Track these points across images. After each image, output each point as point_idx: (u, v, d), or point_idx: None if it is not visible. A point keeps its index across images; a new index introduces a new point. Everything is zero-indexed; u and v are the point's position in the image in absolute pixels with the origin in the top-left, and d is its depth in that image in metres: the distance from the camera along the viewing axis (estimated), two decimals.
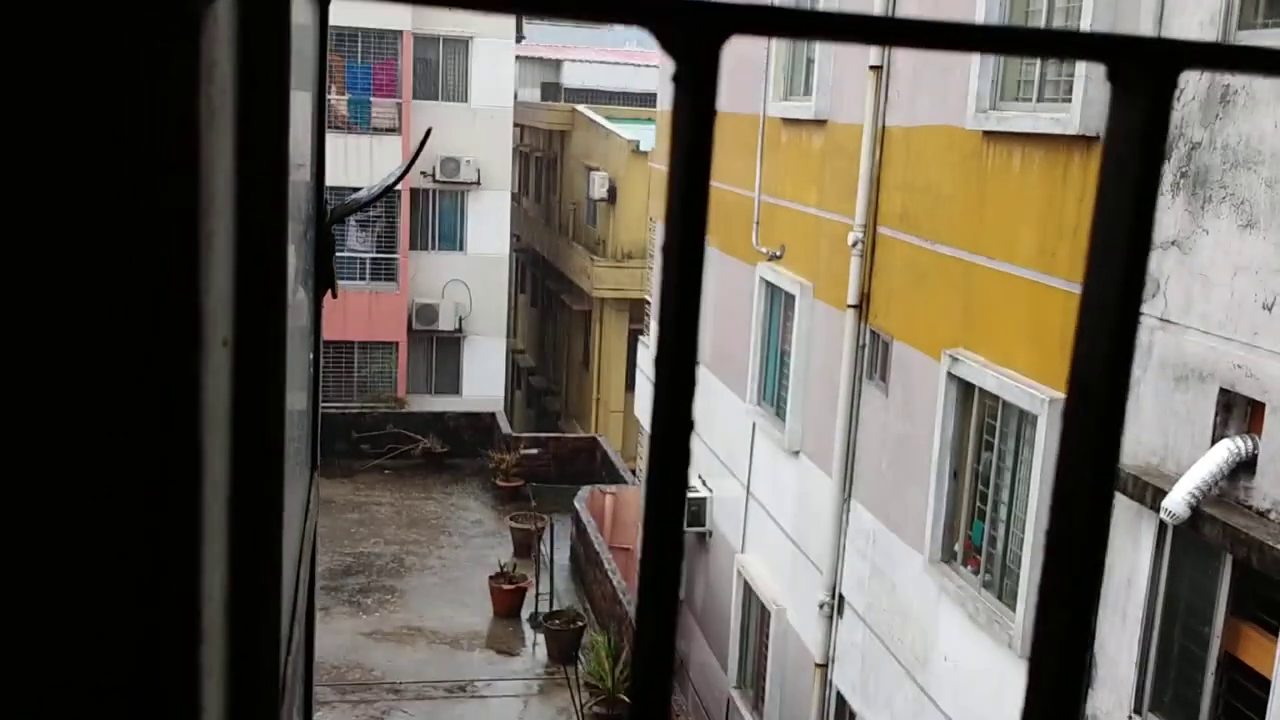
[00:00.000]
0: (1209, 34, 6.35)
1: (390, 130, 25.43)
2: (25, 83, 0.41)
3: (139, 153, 0.42)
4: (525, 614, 17.72)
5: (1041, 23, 8.11)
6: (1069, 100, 7.63)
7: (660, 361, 0.46)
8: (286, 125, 0.69)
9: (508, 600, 17.69)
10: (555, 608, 17.32)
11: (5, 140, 0.42)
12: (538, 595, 17.59)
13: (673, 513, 0.50)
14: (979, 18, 8.53)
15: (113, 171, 0.42)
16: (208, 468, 0.50)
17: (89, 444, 0.45)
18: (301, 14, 1.17)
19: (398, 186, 25.27)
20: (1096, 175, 0.51)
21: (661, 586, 0.47)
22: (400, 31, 25.32)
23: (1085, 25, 7.32)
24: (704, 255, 0.49)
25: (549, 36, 44.49)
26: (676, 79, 0.47)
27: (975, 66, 8.59)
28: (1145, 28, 6.78)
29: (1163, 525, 6.40)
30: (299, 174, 1.28)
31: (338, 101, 25.37)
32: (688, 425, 0.48)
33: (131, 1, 0.40)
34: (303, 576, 1.23)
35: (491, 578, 17.93)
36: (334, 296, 1.67)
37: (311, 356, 1.56)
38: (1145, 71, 0.49)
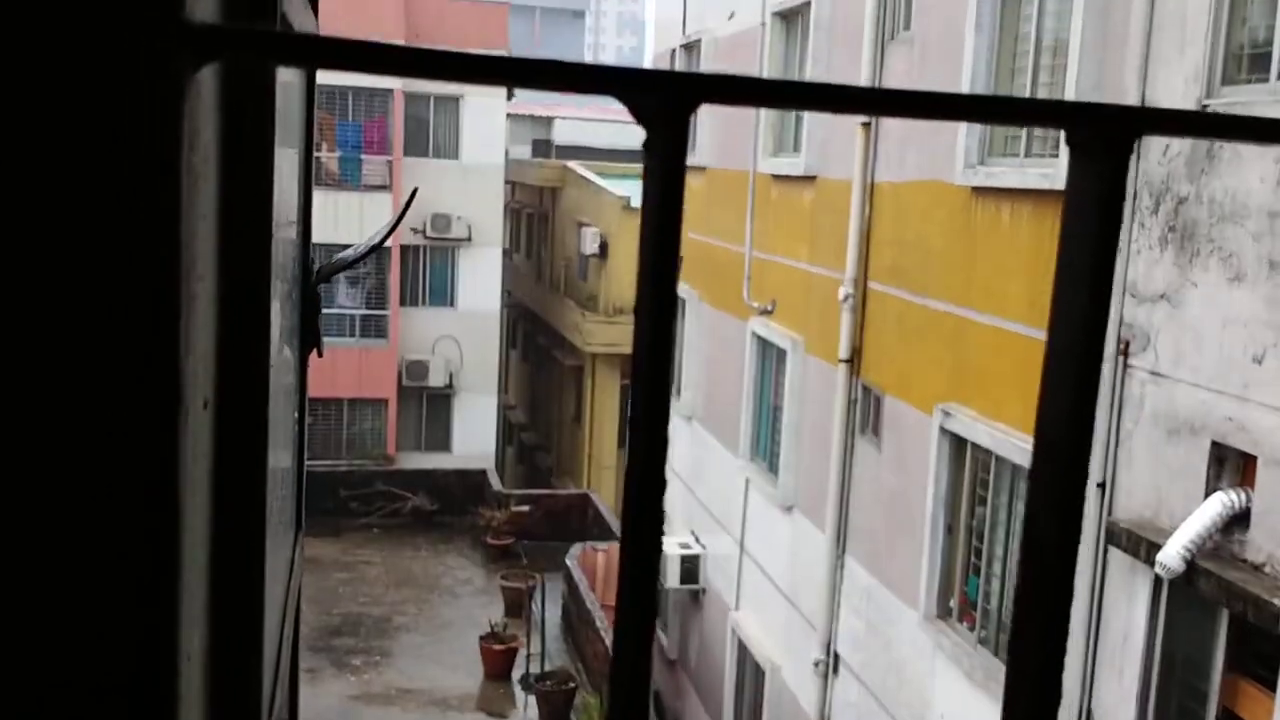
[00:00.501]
0: (1193, 90, 6.44)
1: (381, 187, 25.58)
2: (10, 146, 0.42)
3: (121, 218, 0.43)
4: (516, 675, 17.51)
5: (1028, 78, 8.23)
6: (1056, 155, 7.73)
7: (634, 424, 0.47)
8: (270, 191, 0.70)
9: (498, 661, 17.49)
10: (547, 668, 17.13)
11: None
12: (529, 655, 17.40)
13: (649, 569, 0.50)
14: (965, 73, 8.66)
15: (94, 236, 0.43)
16: (187, 528, 0.50)
17: (67, 503, 0.45)
18: (287, 72, 1.19)
19: (387, 243, 25.39)
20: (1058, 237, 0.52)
21: (638, 639, 0.48)
22: (391, 90, 25.58)
23: (1071, 80, 7.43)
24: (675, 314, 0.50)
25: (540, 94, 44.97)
26: (646, 146, 0.48)
27: (963, 123, 8.70)
28: (1130, 83, 6.88)
29: (1158, 580, 6.38)
30: (285, 232, 1.29)
31: (329, 159, 25.55)
32: (660, 486, 0.48)
33: (115, 70, 0.42)
34: (286, 635, 1.22)
35: (482, 638, 17.74)
36: (319, 355, 1.68)
37: (297, 415, 1.57)
38: (1103, 137, 0.50)
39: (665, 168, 0.47)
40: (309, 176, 1.68)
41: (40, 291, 0.44)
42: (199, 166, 0.49)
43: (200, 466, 0.55)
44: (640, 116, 0.47)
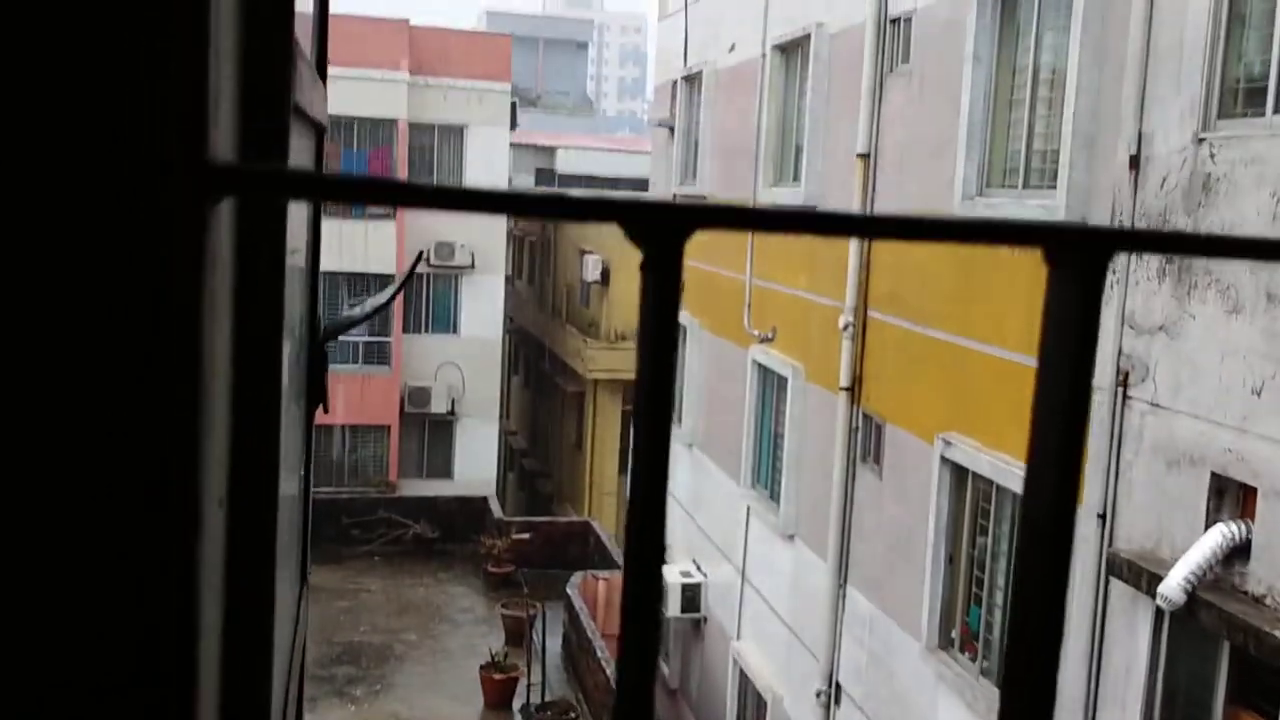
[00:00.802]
0: (1190, 123, 6.49)
1: (385, 216, 25.67)
2: (50, 276, 0.45)
3: (147, 342, 0.45)
4: (517, 705, 17.43)
5: (1025, 110, 8.29)
6: (1054, 187, 7.77)
7: (628, 557, 0.49)
8: (281, 299, 0.73)
9: (499, 690, 17.42)
10: (548, 698, 17.05)
11: (16, 318, 0.46)
12: (529, 685, 17.32)
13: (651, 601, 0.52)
14: (964, 105, 8.71)
15: (123, 362, 0.45)
16: (203, 631, 0.52)
17: (90, 610, 0.47)
18: (296, 143, 1.22)
19: (391, 269, 25.45)
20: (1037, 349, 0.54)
21: (642, 663, 0.50)
22: (396, 120, 25.72)
23: (1068, 113, 7.48)
24: (670, 426, 0.53)
25: (543, 124, 45.22)
26: (643, 267, 0.50)
27: (961, 153, 8.75)
28: (1126, 116, 6.93)
29: (1159, 611, 6.37)
30: (295, 299, 1.31)
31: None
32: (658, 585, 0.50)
33: (142, 208, 0.44)
34: (291, 694, 1.24)
35: (482, 667, 17.68)
36: (325, 412, 1.70)
37: (303, 472, 1.59)
38: (1078, 256, 0.53)
39: (661, 290, 0.50)
40: (318, 231, 1.71)
41: (70, 406, 0.46)
42: (218, 287, 0.52)
43: (213, 568, 0.58)
44: (638, 241, 0.50)
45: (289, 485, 1.36)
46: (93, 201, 0.43)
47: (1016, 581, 0.57)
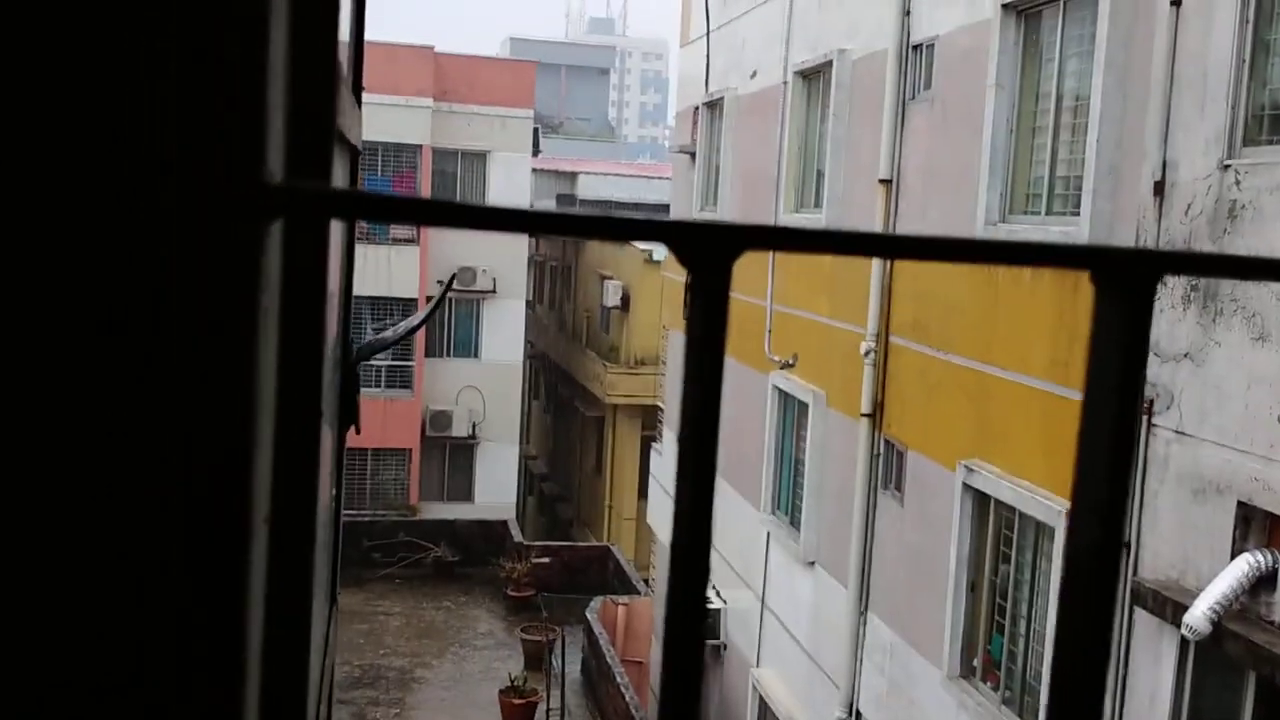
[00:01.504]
0: (1215, 150, 6.46)
1: (409, 241, 25.84)
2: (113, 299, 0.45)
3: (200, 360, 0.46)
4: None
5: (1048, 137, 8.28)
6: (1077, 214, 7.75)
7: (672, 589, 0.49)
8: (324, 315, 0.74)
9: (518, 715, 17.36)
10: None
11: (81, 337, 0.46)
12: (549, 710, 17.26)
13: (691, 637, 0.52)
14: (986, 132, 8.71)
15: (175, 379, 0.46)
16: (249, 647, 0.52)
17: (145, 621, 0.47)
18: (337, 173, 1.23)
19: (414, 294, 25.57)
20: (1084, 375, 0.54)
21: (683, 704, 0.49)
22: (420, 146, 25.91)
23: (1092, 140, 7.46)
24: (717, 443, 0.53)
25: (565, 150, 45.46)
26: (691, 287, 0.51)
27: (984, 179, 8.74)
28: (1151, 144, 6.91)
29: (1184, 641, 6.30)
30: (330, 323, 1.32)
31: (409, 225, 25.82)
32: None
33: (202, 228, 0.45)
34: (322, 712, 1.24)
35: (501, 691, 17.62)
36: (358, 433, 1.71)
37: (335, 492, 1.60)
38: (1125, 279, 0.53)
39: (709, 310, 0.50)
40: (351, 254, 1.72)
41: (129, 424, 0.47)
42: (268, 304, 0.53)
43: (257, 580, 0.58)
44: (686, 262, 0.50)
45: (323, 508, 1.36)
46: (155, 221, 0.44)
47: (1060, 621, 0.57)
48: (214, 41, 0.44)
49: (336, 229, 1.29)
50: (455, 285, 26.43)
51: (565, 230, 0.49)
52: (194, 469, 0.45)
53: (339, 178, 1.19)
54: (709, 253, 0.48)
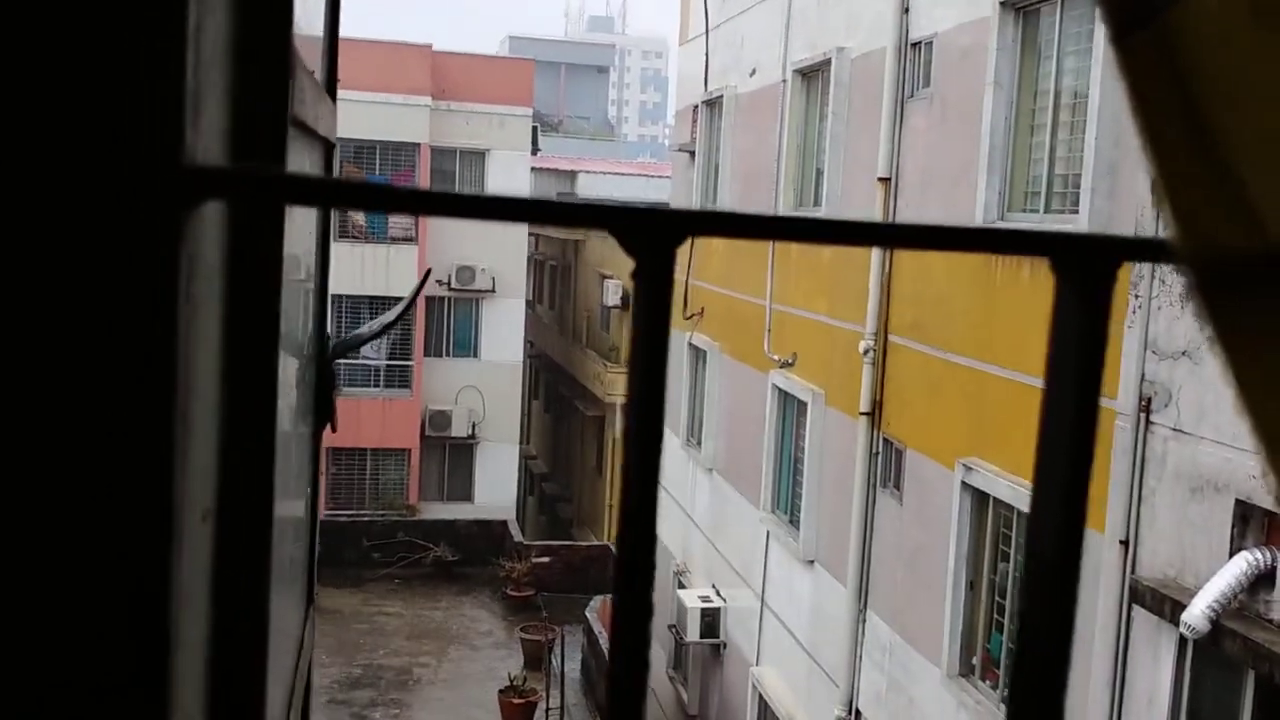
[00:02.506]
0: None
1: (407, 240, 25.82)
2: (11, 283, 0.44)
3: (118, 350, 0.44)
4: None
5: (1046, 135, 8.26)
6: (1076, 211, 7.73)
7: (619, 566, 0.48)
8: (278, 304, 0.72)
9: (518, 715, 17.35)
10: None
11: None
12: (548, 709, 17.25)
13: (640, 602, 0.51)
14: (984, 128, 8.69)
15: (87, 366, 0.44)
16: (182, 644, 0.51)
17: (54, 615, 0.46)
18: (304, 158, 1.22)
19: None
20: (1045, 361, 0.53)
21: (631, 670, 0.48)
22: (418, 144, 25.89)
23: (1090, 136, 7.44)
24: (662, 435, 0.51)
25: (564, 148, 45.44)
26: (635, 275, 0.49)
27: (982, 176, 8.73)
28: None
29: (1183, 640, 6.28)
30: (303, 316, 1.31)
31: (355, 212, 25.81)
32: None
33: (114, 213, 0.43)
34: (294, 717, 1.23)
35: (501, 691, 17.62)
36: (333, 431, 1.70)
37: (310, 490, 1.58)
38: (1085, 265, 0.51)
39: (652, 296, 0.48)
40: (327, 248, 1.71)
41: (39, 417, 0.45)
42: (201, 293, 0.51)
43: (197, 578, 0.56)
44: (630, 249, 0.49)
45: (294, 505, 1.35)
46: (60, 202, 0.43)
47: (1021, 614, 0.55)
48: (125, 18, 0.42)
49: (305, 219, 1.28)
50: (454, 284, 26.42)
51: (499, 215, 0.47)
52: (107, 463, 0.44)
53: (305, 169, 1.17)
54: (651, 239, 0.47)
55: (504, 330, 27.30)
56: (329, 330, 1.69)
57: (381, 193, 0.45)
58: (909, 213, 10.11)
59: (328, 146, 1.51)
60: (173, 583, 0.46)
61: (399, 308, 2.56)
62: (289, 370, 1.14)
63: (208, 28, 0.49)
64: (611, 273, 26.99)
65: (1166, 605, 6.30)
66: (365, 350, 26.18)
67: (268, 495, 0.70)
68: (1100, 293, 0.51)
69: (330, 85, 1.61)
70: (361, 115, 24.43)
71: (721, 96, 14.98)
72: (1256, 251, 0.50)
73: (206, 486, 0.57)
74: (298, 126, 0.91)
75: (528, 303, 29.62)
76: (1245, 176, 0.49)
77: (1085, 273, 0.51)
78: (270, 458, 0.71)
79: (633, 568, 0.49)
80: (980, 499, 8.79)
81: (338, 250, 24.59)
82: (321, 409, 1.53)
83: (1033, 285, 8.20)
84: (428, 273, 3.15)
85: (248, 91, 0.64)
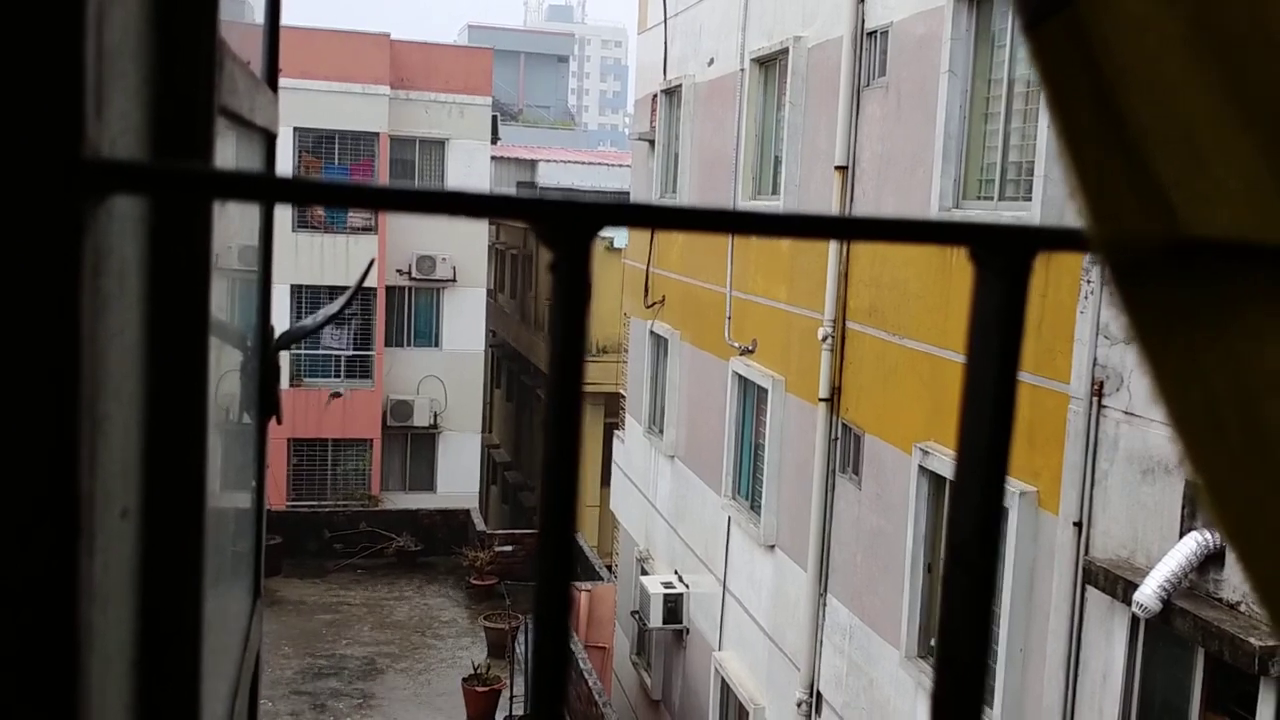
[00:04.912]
0: None
1: (366, 229, 25.63)
2: None
3: (12, 342, 0.44)
4: (500, 716, 17.36)
5: (1000, 123, 8.32)
6: (1029, 199, 7.80)
7: (540, 553, 0.48)
8: (206, 300, 0.71)
9: (482, 703, 17.34)
10: (530, 710, 16.97)
11: None
12: (512, 697, 17.26)
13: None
14: (939, 117, 8.75)
15: None
16: (96, 643, 0.50)
17: None
18: (243, 150, 1.20)
19: (373, 285, 25.38)
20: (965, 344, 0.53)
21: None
22: (377, 133, 25.69)
23: (1043, 124, 7.52)
24: (581, 425, 0.51)
25: (524, 138, 45.25)
26: (552, 267, 0.49)
27: (938, 165, 8.79)
28: None
29: (1135, 619, 6.38)
30: (246, 306, 1.30)
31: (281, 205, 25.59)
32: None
33: (4, 201, 0.42)
34: (240, 709, 1.22)
35: (465, 680, 17.60)
36: (279, 423, 1.68)
37: (255, 484, 1.57)
38: (1003, 254, 0.52)
39: (569, 286, 0.48)
40: (270, 239, 1.69)
41: None
42: (109, 288, 0.50)
43: (117, 575, 0.56)
44: (546, 241, 0.49)
45: (235, 497, 1.33)
46: None
47: (944, 588, 0.56)
48: (16, 5, 0.41)
49: (245, 209, 1.26)
50: (415, 274, 26.27)
51: (415, 207, 0.47)
52: (6, 461, 0.43)
53: (242, 162, 1.16)
54: (567, 230, 0.47)
55: (465, 320, 27.19)
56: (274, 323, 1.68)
57: (283, 185, 0.44)
58: (866, 201, 10.17)
59: (268, 138, 1.49)
60: (81, 580, 0.45)
61: (343, 299, 2.55)
62: (229, 362, 1.13)
63: (113, 16, 0.48)
64: None
65: (1119, 585, 6.39)
66: (327, 340, 25.99)
67: (199, 490, 0.69)
68: (1018, 281, 0.51)
69: (271, 75, 1.59)
70: (320, 105, 24.21)
71: (680, 85, 14.97)
72: (1168, 239, 0.50)
73: (127, 484, 0.56)
74: (229, 117, 0.90)
75: (489, 292, 29.50)
76: (1157, 164, 0.50)
77: (1004, 262, 0.51)
78: (201, 452, 0.70)
79: (553, 559, 0.49)
80: (937, 482, 8.87)
81: (297, 240, 24.39)
82: (266, 400, 1.52)
83: None
84: (370, 263, 3.14)
85: (169, 82, 0.63)
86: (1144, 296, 0.51)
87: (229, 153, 1.02)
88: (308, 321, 2.53)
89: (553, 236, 0.48)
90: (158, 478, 0.62)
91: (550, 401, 0.51)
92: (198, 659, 0.68)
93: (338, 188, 0.45)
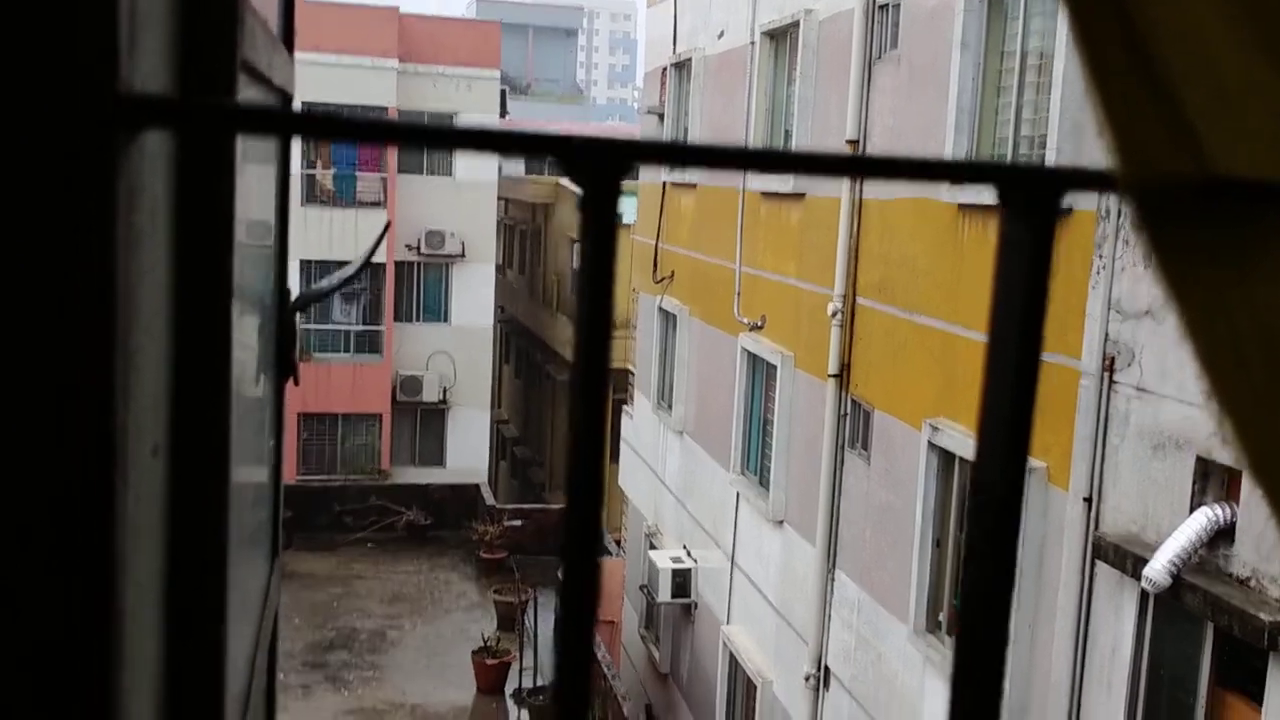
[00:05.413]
0: None
1: (375, 204, 25.61)
2: None
3: (53, 282, 0.44)
4: (509, 689, 17.47)
5: (1013, 95, 8.28)
6: None
7: (569, 483, 0.48)
8: (230, 236, 0.71)
9: (491, 675, 17.46)
10: (540, 682, 17.09)
11: None
12: (522, 669, 17.36)
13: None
14: (952, 90, 8.70)
15: (19, 298, 0.44)
16: (132, 578, 0.51)
17: None
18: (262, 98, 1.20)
19: (383, 260, 25.38)
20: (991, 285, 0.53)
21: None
22: (386, 108, 25.63)
23: (1055, 97, 7.47)
24: (609, 361, 0.52)
25: (533, 112, 45.11)
26: (582, 205, 0.49)
27: (949, 137, 8.74)
28: None
29: (1144, 594, 6.39)
30: (259, 264, 1.30)
31: (324, 176, 25.58)
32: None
33: (47, 142, 0.43)
34: (260, 664, 1.23)
35: (475, 652, 17.71)
36: (295, 384, 1.69)
37: (273, 442, 1.58)
38: (1031, 195, 0.52)
39: (599, 224, 0.49)
40: (286, 202, 1.69)
41: None
42: (142, 222, 0.51)
43: (148, 511, 0.56)
44: (575, 177, 0.49)
45: (258, 456, 1.34)
46: None
47: (969, 540, 0.56)
48: None
49: (263, 170, 1.26)
50: (424, 249, 26.26)
51: (443, 144, 0.47)
52: (43, 387, 0.44)
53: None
54: (598, 166, 0.47)
55: (474, 295, 27.19)
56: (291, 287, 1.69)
57: (312, 121, 0.45)
58: None
59: (284, 99, 1.49)
60: (118, 511, 0.46)
61: (358, 260, 2.55)
62: (248, 322, 1.14)
63: None
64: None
65: (1129, 560, 6.40)
66: (336, 315, 26.02)
67: (224, 433, 0.70)
68: (1045, 223, 0.51)
69: (287, 37, 1.58)
70: (328, 79, 24.15)
71: (690, 59, 14.90)
72: (1196, 178, 0.50)
73: (157, 421, 0.57)
74: (249, 72, 0.90)
75: (497, 267, 29.49)
76: (1184, 98, 0.50)
77: (1030, 203, 0.51)
78: (226, 392, 0.71)
79: (581, 488, 0.49)
80: (946, 458, 8.87)
81: (306, 215, 24.38)
82: (283, 362, 1.53)
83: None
84: (387, 224, 3.15)
85: (193, 31, 0.63)
86: (1170, 235, 0.51)
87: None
88: (324, 283, 2.54)
89: (582, 174, 0.48)
90: (183, 419, 0.62)
91: (579, 338, 0.51)
92: (223, 586, 0.69)
93: (359, 123, 0.45)
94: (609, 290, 0.49)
